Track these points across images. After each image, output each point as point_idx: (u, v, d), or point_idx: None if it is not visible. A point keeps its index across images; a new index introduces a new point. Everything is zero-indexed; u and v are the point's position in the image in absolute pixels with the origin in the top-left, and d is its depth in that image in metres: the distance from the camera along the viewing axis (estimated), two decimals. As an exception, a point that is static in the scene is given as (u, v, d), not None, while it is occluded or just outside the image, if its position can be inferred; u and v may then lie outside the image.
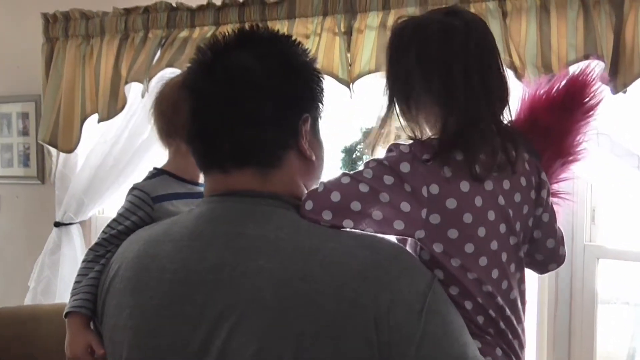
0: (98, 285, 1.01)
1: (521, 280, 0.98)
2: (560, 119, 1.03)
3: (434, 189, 0.89)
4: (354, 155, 2.27)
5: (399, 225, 0.88)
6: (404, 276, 0.78)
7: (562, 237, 1.07)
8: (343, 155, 2.28)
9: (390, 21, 1.73)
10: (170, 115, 1.22)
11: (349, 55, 1.78)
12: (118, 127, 2.21)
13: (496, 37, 1.65)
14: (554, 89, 1.05)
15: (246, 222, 0.84)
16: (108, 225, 1.19)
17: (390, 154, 0.92)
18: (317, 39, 1.82)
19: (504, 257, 0.94)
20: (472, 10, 1.69)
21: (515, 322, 0.95)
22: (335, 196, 0.87)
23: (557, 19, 1.59)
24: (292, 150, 0.88)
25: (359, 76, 1.76)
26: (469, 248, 0.91)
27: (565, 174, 1.09)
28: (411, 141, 0.93)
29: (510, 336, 0.94)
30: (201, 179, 1.20)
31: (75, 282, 1.13)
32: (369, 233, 0.87)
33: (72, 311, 1.10)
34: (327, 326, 0.74)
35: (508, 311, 0.94)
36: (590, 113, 1.04)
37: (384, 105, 0.98)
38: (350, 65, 1.78)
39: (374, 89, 1.70)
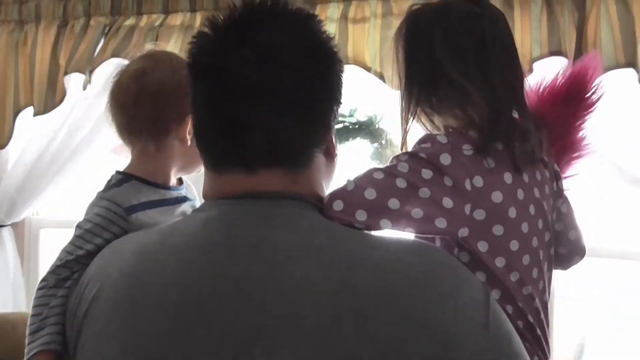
0: (66, 313, 0.85)
1: (550, 280, 0.93)
2: (563, 114, 1.00)
3: (478, 181, 0.82)
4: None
5: (441, 223, 0.80)
6: (461, 285, 0.68)
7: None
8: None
9: (352, 13, 1.67)
10: (132, 110, 1.04)
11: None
12: (56, 121, 2.04)
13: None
14: (557, 83, 1.01)
15: (271, 226, 0.71)
16: (72, 244, 0.99)
17: (426, 145, 0.84)
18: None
19: (541, 254, 0.89)
20: (436, 3, 1.66)
21: (546, 326, 0.90)
22: (370, 193, 0.78)
23: (521, 15, 1.58)
24: (323, 147, 0.78)
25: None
26: (514, 245, 0.84)
27: (570, 171, 1.06)
28: (443, 132, 0.87)
29: (544, 342, 0.89)
30: (172, 181, 1.09)
31: (34, 315, 0.94)
32: (408, 235, 0.79)
33: (42, 350, 0.90)
34: (385, 345, 0.62)
35: (542, 314, 0.89)
36: (592, 108, 1.01)
37: (403, 99, 0.91)
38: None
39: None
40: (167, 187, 1.08)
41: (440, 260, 0.71)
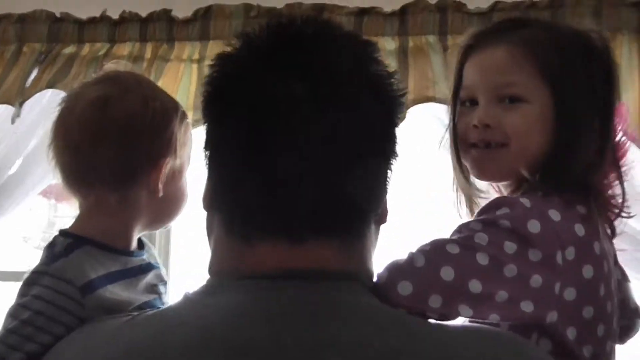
0: None
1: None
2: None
3: (570, 253, 0.68)
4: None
5: (527, 306, 0.65)
6: None
7: None
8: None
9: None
10: (89, 150, 0.79)
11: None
12: (-22, 158, 1.80)
13: (439, 70, 1.55)
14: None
15: (331, 322, 0.53)
16: (2, 343, 0.71)
17: (504, 211, 0.70)
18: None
19: (615, 334, 0.76)
20: (411, 44, 1.57)
21: None
22: (447, 273, 0.63)
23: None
24: (379, 211, 0.62)
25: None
26: (601, 330, 0.71)
27: None
28: (518, 194, 0.75)
29: None
30: (134, 244, 0.84)
31: None
32: (489, 325, 0.64)
33: None
34: None
35: None
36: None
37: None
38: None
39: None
40: (128, 253, 0.83)
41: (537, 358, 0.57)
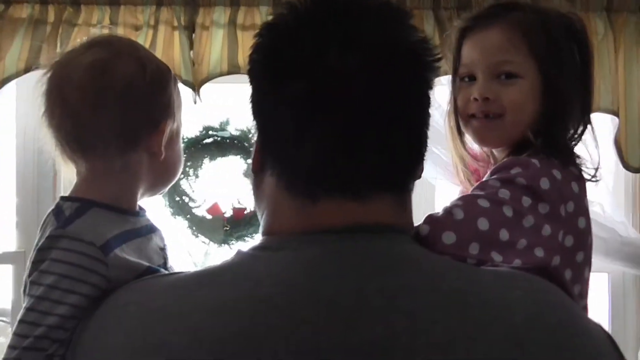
0: None
1: None
2: None
3: (570, 206, 0.80)
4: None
5: (539, 252, 0.75)
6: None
7: None
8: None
9: (241, 19, 1.53)
10: (89, 116, 0.78)
11: (192, 53, 1.53)
12: None
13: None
14: None
15: (401, 270, 0.59)
16: (33, 310, 0.70)
17: (518, 170, 0.80)
18: (152, 32, 1.53)
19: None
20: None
21: None
22: (483, 224, 0.73)
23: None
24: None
25: (208, 79, 1.52)
26: (587, 272, 0.83)
27: None
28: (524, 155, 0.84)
29: None
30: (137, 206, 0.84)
31: None
32: (521, 271, 0.68)
33: None
34: None
35: None
36: None
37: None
38: (194, 65, 1.53)
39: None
40: (135, 213, 0.83)
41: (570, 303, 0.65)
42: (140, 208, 0.87)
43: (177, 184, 1.97)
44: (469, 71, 0.91)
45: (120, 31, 1.51)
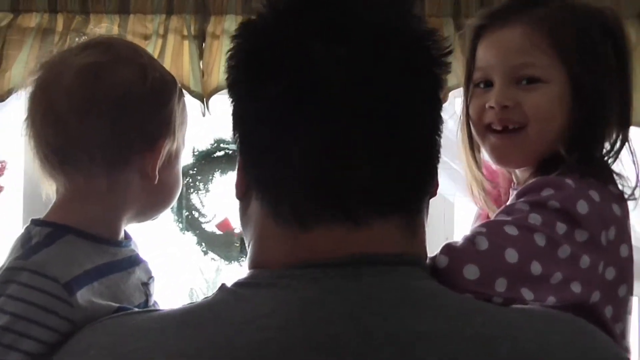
0: None
1: None
2: None
3: (612, 233, 0.70)
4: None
5: (576, 287, 0.65)
6: None
7: None
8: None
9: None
10: (77, 126, 0.68)
11: (201, 63, 1.49)
12: None
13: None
14: None
15: (414, 312, 0.50)
16: None
17: (550, 192, 0.69)
18: (161, 41, 1.49)
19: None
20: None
21: None
22: (511, 255, 0.63)
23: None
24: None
25: (217, 90, 1.47)
26: (630, 306, 0.73)
27: None
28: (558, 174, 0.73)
29: None
30: (121, 234, 0.74)
31: None
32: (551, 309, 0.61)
33: None
34: None
35: None
36: None
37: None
38: (204, 76, 1.48)
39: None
40: (116, 243, 0.73)
41: (608, 344, 0.57)
42: (126, 236, 0.77)
43: (188, 198, 1.92)
44: (485, 76, 0.80)
45: (129, 40, 1.47)
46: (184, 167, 1.97)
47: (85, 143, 0.69)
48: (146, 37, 1.49)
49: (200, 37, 1.49)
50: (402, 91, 0.52)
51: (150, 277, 0.77)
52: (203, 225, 1.94)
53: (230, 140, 2.03)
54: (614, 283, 0.71)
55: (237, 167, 0.57)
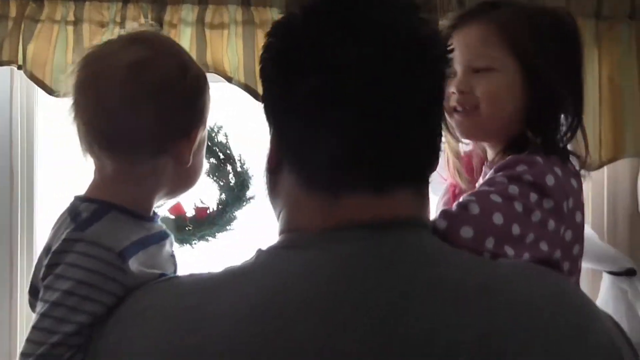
0: None
1: None
2: None
3: (571, 202, 0.85)
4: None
5: (544, 246, 0.79)
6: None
7: None
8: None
9: (209, 17, 1.54)
10: (124, 116, 0.76)
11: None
12: None
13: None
14: None
15: (430, 265, 0.60)
16: (48, 317, 0.68)
17: (523, 167, 0.83)
18: (118, 29, 1.51)
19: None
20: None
21: None
22: (498, 218, 0.76)
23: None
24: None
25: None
26: (581, 262, 0.88)
27: None
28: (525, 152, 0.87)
29: None
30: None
31: None
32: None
33: None
34: None
35: None
36: None
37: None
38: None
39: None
40: (149, 219, 0.80)
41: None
42: (154, 213, 0.85)
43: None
44: (452, 66, 0.93)
45: (85, 28, 1.49)
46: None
47: (134, 132, 0.77)
48: (102, 25, 1.51)
49: (157, 26, 1.53)
50: (419, 84, 0.63)
51: (174, 250, 0.86)
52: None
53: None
54: (571, 243, 0.86)
55: (270, 145, 0.66)
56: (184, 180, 0.84)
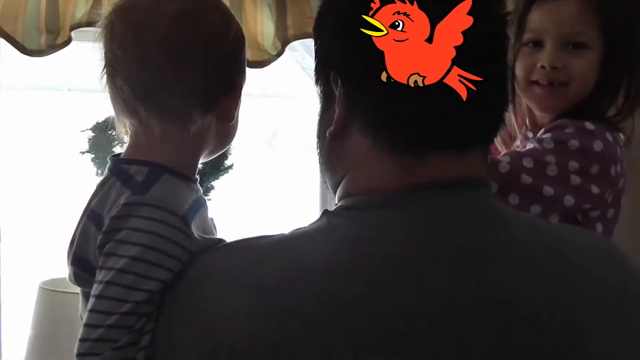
0: None
1: None
2: None
3: (618, 168, 0.87)
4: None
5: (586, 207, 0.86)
6: None
7: None
8: (93, 135, 1.80)
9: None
10: (173, 70, 0.68)
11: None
12: None
13: (316, 7, 1.53)
14: None
15: (507, 224, 0.61)
16: (116, 284, 0.63)
17: (571, 130, 0.86)
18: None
19: None
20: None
21: None
22: (525, 179, 0.84)
23: None
24: None
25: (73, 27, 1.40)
26: (615, 230, 0.92)
27: None
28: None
29: None
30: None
31: None
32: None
33: None
34: None
35: None
36: None
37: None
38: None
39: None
40: (194, 180, 0.74)
41: None
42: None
43: (112, 151, 1.82)
44: (536, 37, 0.93)
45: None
46: (107, 120, 1.88)
47: (182, 89, 0.70)
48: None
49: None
50: (496, 47, 0.63)
51: None
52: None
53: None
54: (609, 206, 0.89)
55: (337, 107, 0.62)
56: (225, 138, 0.78)
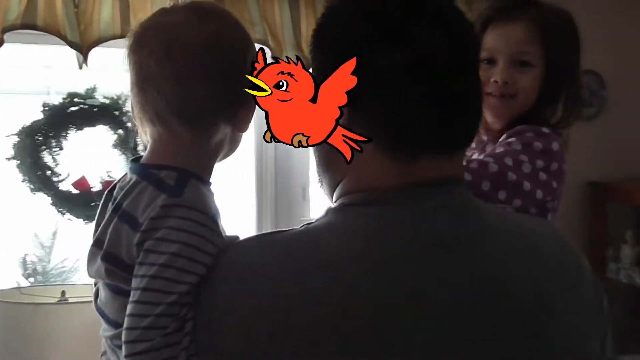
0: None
1: None
2: None
3: (565, 165, 1.01)
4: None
5: (539, 194, 0.98)
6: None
7: None
8: (18, 140, 1.75)
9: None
10: (203, 86, 0.76)
11: (76, 11, 1.40)
12: None
13: (255, 13, 1.58)
14: None
15: (486, 214, 0.71)
16: (161, 278, 0.69)
17: (531, 134, 0.99)
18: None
19: None
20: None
21: None
22: (511, 176, 0.95)
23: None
24: None
25: (99, 41, 1.41)
26: (558, 207, 1.05)
27: None
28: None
29: None
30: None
31: None
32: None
33: None
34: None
35: None
36: None
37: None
38: (82, 25, 1.40)
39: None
40: (210, 184, 0.82)
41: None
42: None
43: (39, 157, 1.78)
44: (490, 56, 1.07)
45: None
46: (33, 124, 1.83)
47: (209, 103, 0.78)
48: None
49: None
50: (476, 63, 0.73)
51: None
52: (57, 185, 1.82)
53: (85, 94, 1.90)
54: (559, 197, 1.04)
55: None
56: (235, 145, 0.86)
